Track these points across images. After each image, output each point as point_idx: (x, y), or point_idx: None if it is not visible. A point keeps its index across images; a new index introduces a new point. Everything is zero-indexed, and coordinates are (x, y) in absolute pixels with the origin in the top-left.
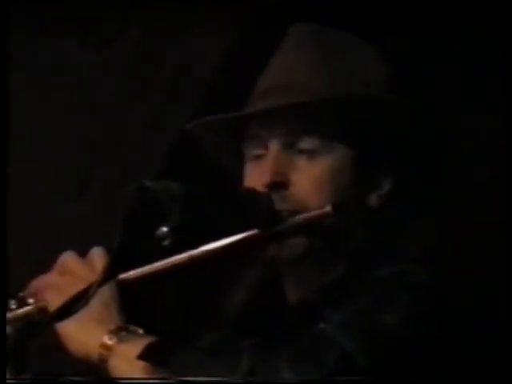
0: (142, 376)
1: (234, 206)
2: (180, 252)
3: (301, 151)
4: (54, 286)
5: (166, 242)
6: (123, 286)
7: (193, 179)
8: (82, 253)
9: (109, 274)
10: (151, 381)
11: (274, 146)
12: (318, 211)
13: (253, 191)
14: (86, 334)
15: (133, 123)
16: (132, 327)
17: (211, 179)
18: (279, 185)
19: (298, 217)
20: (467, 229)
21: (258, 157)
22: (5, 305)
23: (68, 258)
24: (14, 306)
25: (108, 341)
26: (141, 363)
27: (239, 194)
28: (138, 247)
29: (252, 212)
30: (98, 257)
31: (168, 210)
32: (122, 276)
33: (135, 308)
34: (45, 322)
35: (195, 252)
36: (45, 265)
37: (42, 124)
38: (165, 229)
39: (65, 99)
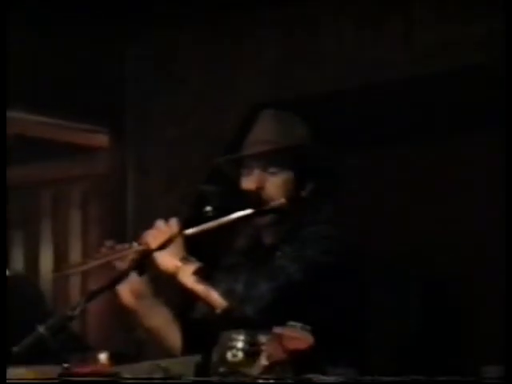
0: (196, 286)
1: (240, 197)
2: (216, 219)
3: (270, 172)
4: (151, 237)
5: (209, 214)
6: (187, 237)
7: (223, 185)
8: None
9: (181, 231)
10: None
11: (256, 170)
12: (278, 201)
13: (250, 191)
14: (168, 260)
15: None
16: (190, 257)
17: (230, 185)
18: (259, 189)
19: (270, 204)
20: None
21: (249, 175)
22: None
23: (159, 222)
24: (135, 245)
25: (178, 263)
26: (194, 277)
27: (243, 192)
28: (195, 216)
29: (249, 199)
30: (174, 222)
31: (210, 199)
32: (186, 232)
33: (191, 247)
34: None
35: (223, 219)
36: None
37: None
38: (208, 208)
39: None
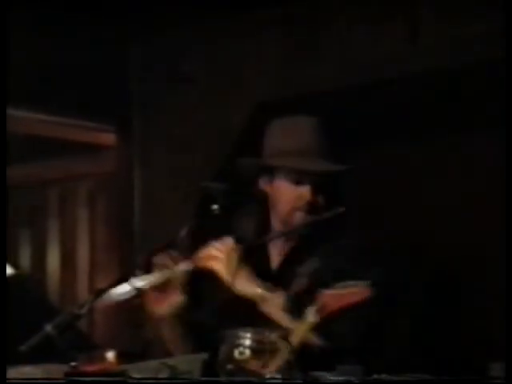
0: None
1: (246, 195)
2: (223, 217)
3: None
4: (209, 256)
5: (216, 212)
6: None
7: (229, 183)
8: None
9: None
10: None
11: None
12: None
13: (259, 191)
14: (247, 286)
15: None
16: (268, 284)
17: (237, 184)
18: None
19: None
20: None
21: (270, 180)
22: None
23: (214, 243)
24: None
25: (261, 291)
26: (282, 312)
27: (251, 192)
28: (204, 214)
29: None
30: (229, 241)
31: (217, 197)
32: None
33: None
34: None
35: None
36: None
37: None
38: (215, 206)
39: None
